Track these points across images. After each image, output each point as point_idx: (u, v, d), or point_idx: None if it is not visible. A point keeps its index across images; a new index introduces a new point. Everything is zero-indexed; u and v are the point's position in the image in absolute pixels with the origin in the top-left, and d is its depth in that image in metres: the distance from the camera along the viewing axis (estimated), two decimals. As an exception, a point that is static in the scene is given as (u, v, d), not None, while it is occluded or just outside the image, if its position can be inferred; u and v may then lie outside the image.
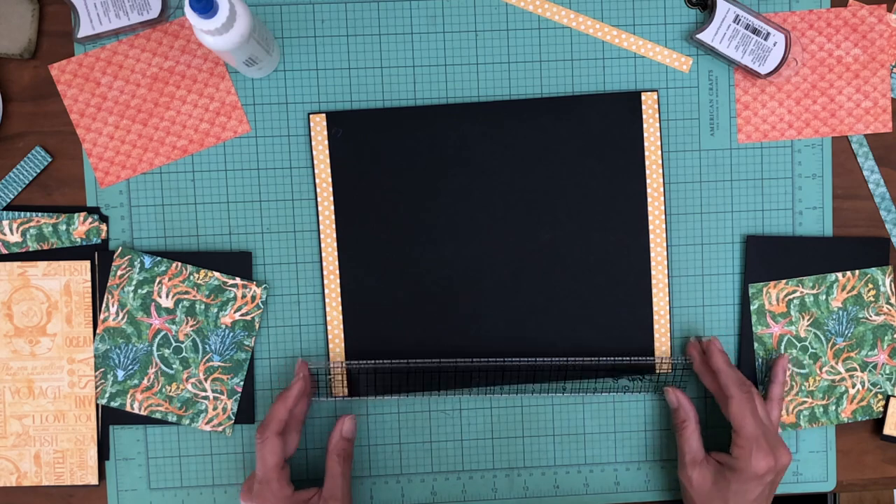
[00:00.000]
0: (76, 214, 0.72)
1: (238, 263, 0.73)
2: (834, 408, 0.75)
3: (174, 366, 0.73)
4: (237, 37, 0.62)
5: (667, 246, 0.74)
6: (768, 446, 0.67)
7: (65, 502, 0.74)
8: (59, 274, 0.73)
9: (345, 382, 0.73)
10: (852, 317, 0.74)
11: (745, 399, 0.68)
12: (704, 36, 0.73)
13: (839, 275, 0.74)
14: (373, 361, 0.73)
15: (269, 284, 0.74)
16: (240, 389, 0.73)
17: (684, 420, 0.71)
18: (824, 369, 0.74)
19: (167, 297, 0.72)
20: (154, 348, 0.72)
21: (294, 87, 0.73)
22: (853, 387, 0.75)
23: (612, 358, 0.74)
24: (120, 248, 0.72)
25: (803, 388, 0.74)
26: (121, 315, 0.72)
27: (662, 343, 0.74)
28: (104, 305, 0.72)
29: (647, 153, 0.74)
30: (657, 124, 0.74)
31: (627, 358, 0.74)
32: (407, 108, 0.73)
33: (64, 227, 0.72)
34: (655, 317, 0.74)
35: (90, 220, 0.72)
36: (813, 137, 0.75)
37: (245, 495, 0.69)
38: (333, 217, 0.73)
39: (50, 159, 0.73)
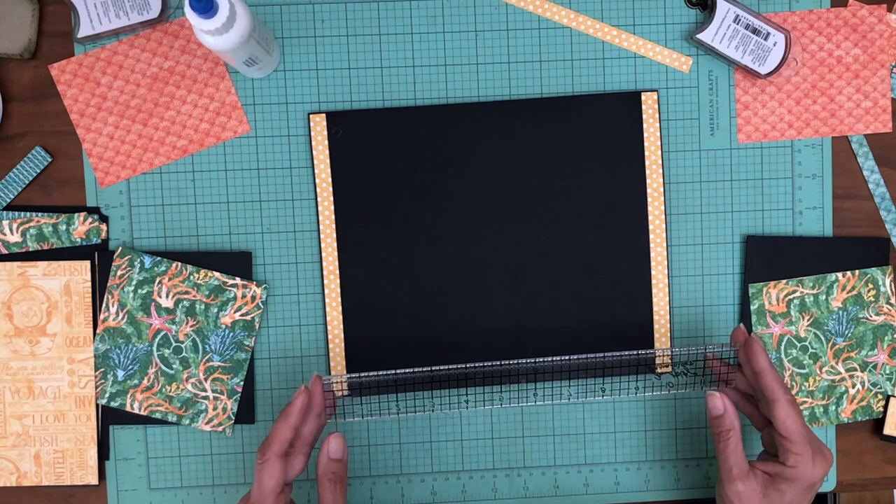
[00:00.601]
0: (76, 214, 0.72)
1: (238, 263, 0.73)
2: (834, 408, 0.75)
3: (174, 366, 0.73)
4: (237, 37, 0.62)
5: (667, 246, 0.74)
6: (820, 451, 0.63)
7: (65, 502, 0.74)
8: (59, 274, 0.73)
9: (346, 382, 0.73)
10: (852, 317, 0.74)
11: (792, 401, 0.63)
12: (704, 36, 0.73)
13: (839, 275, 0.74)
14: (375, 373, 0.69)
15: (269, 284, 0.74)
16: (240, 389, 0.73)
17: (729, 429, 0.64)
18: (824, 369, 0.74)
19: (167, 297, 0.72)
20: (154, 348, 0.73)
21: (294, 87, 0.73)
22: (853, 387, 0.75)
23: (650, 350, 0.71)
24: (120, 248, 0.72)
25: (803, 388, 0.74)
26: (121, 315, 0.72)
27: (663, 343, 0.74)
28: (104, 305, 0.72)
29: (647, 153, 0.74)
30: (657, 124, 0.74)
31: (668, 350, 0.71)
32: (407, 108, 0.73)
33: (64, 227, 0.72)
34: (655, 317, 0.74)
35: (90, 220, 0.72)
36: (813, 137, 0.75)
37: None
38: (333, 217, 0.73)
39: (50, 159, 0.73)
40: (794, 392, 0.74)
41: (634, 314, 0.74)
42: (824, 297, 0.74)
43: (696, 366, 0.73)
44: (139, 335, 0.72)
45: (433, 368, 0.69)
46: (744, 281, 0.75)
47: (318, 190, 0.73)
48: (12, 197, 0.73)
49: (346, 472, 0.65)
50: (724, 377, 0.69)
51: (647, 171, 0.74)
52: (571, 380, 0.73)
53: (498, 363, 0.70)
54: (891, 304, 0.74)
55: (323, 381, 0.66)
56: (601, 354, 0.69)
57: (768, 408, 0.64)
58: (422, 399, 0.74)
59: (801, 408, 0.74)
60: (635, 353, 0.70)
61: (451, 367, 0.69)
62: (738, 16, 0.72)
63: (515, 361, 0.69)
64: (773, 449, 0.66)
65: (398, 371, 0.68)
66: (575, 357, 0.69)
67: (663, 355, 0.72)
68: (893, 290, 0.74)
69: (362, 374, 0.69)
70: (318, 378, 0.65)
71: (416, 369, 0.68)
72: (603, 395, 0.71)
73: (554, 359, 0.69)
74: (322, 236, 0.73)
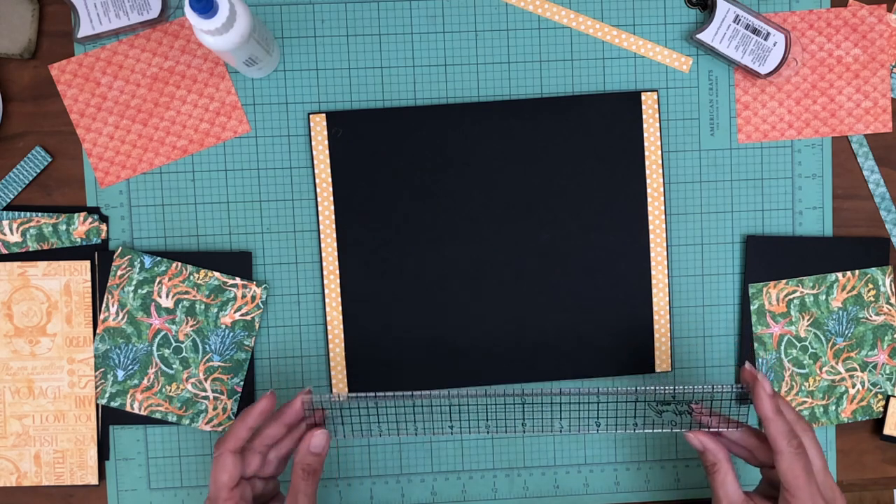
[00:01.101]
0: (76, 214, 0.72)
1: (238, 263, 0.73)
2: (834, 408, 0.75)
3: (174, 366, 0.73)
4: (237, 37, 0.62)
5: (667, 246, 0.74)
6: (831, 500, 0.61)
7: (65, 502, 0.74)
8: (59, 274, 0.73)
9: (345, 382, 0.73)
10: (852, 317, 0.74)
11: (796, 455, 0.60)
12: (704, 36, 0.73)
13: (839, 275, 0.74)
14: (374, 394, 0.65)
15: (269, 284, 0.74)
16: (240, 389, 0.73)
17: (714, 463, 0.63)
18: (824, 369, 0.74)
19: (167, 297, 0.72)
20: (154, 348, 0.73)
21: (294, 87, 0.73)
22: (853, 387, 0.75)
23: (653, 388, 0.66)
24: (120, 248, 0.72)
25: (803, 388, 0.74)
26: (121, 315, 0.72)
27: (662, 343, 0.74)
28: (104, 305, 0.72)
29: (647, 153, 0.74)
30: (657, 124, 0.74)
31: (671, 388, 0.65)
32: (407, 108, 0.73)
33: (64, 227, 0.72)
34: (655, 317, 0.74)
35: (90, 220, 0.72)
36: (813, 137, 0.75)
37: None
38: (333, 217, 0.73)
39: (50, 159, 0.73)
40: (794, 392, 0.74)
41: (634, 314, 0.74)
42: (824, 297, 0.74)
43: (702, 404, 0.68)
44: (139, 335, 0.72)
45: (414, 393, 0.65)
46: (744, 281, 0.75)
47: (318, 190, 0.73)
48: (12, 197, 0.73)
49: (322, 467, 0.66)
50: (724, 424, 0.65)
51: (647, 171, 0.74)
52: (563, 412, 0.70)
53: (483, 391, 0.66)
54: (891, 304, 0.74)
55: (332, 397, 0.65)
56: (595, 388, 0.66)
57: (774, 456, 0.61)
58: (412, 421, 0.71)
59: (801, 408, 0.74)
60: (633, 388, 0.66)
61: (433, 392, 0.65)
62: (738, 16, 0.72)
63: (503, 388, 0.69)
64: (773, 487, 0.64)
65: (378, 393, 0.65)
66: (566, 388, 0.66)
67: (664, 392, 0.67)
68: (893, 289, 0.74)
69: (361, 394, 0.66)
70: (306, 393, 0.65)
71: (398, 392, 0.65)
72: (598, 430, 0.68)
73: (543, 389, 0.68)
74: (322, 236, 0.73)
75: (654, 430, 0.67)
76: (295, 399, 0.65)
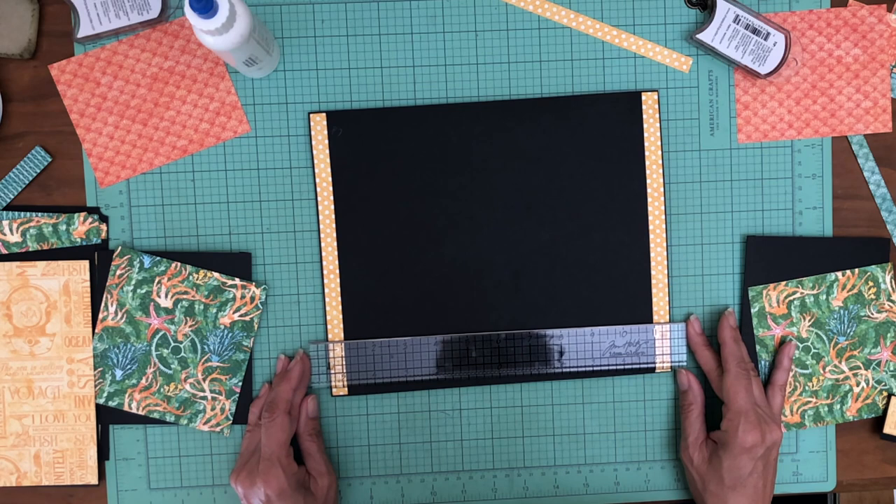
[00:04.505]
0: (76, 214, 0.72)
1: (238, 264, 0.73)
2: (839, 406, 0.75)
3: (172, 366, 0.73)
4: (237, 37, 0.62)
5: (667, 246, 0.74)
6: (756, 420, 0.68)
7: (65, 502, 0.74)
8: (59, 274, 0.72)
9: (345, 382, 0.73)
10: (853, 315, 0.74)
11: (741, 375, 0.70)
12: (704, 36, 0.73)
13: (839, 274, 0.74)
14: (371, 340, 0.71)
15: (269, 284, 0.74)
16: (238, 390, 0.73)
17: (692, 403, 0.73)
18: (828, 369, 0.74)
19: (166, 297, 0.72)
20: (153, 348, 0.72)
21: (294, 87, 0.73)
22: (857, 385, 0.74)
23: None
24: (119, 248, 0.72)
25: (807, 388, 0.74)
26: (120, 315, 0.72)
27: (663, 343, 0.74)
28: (103, 305, 0.72)
29: (647, 153, 0.74)
30: (657, 124, 0.74)
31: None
32: (407, 108, 0.73)
33: (64, 227, 0.72)
34: (655, 317, 0.74)
35: (90, 220, 0.72)
36: (813, 137, 0.75)
37: (244, 477, 0.67)
38: (333, 217, 0.73)
39: (50, 159, 0.73)
40: (798, 392, 0.74)
41: (634, 314, 0.74)
42: (825, 296, 0.74)
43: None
44: (138, 335, 0.72)
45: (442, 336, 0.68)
46: (744, 281, 0.75)
47: (318, 190, 0.73)
48: (12, 197, 0.73)
49: (320, 425, 0.74)
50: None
51: (647, 171, 0.74)
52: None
53: (502, 334, 0.71)
54: (892, 301, 0.74)
55: (330, 344, 0.73)
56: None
57: (719, 380, 0.72)
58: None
59: (806, 407, 0.74)
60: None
61: (454, 335, 0.68)
62: (738, 16, 0.72)
63: (529, 331, 0.73)
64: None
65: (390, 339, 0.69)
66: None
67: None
68: (894, 286, 0.74)
69: (358, 341, 0.71)
70: (305, 355, 0.73)
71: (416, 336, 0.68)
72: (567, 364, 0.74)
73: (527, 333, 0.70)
74: (322, 236, 0.73)
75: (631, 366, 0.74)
76: (305, 361, 0.73)
